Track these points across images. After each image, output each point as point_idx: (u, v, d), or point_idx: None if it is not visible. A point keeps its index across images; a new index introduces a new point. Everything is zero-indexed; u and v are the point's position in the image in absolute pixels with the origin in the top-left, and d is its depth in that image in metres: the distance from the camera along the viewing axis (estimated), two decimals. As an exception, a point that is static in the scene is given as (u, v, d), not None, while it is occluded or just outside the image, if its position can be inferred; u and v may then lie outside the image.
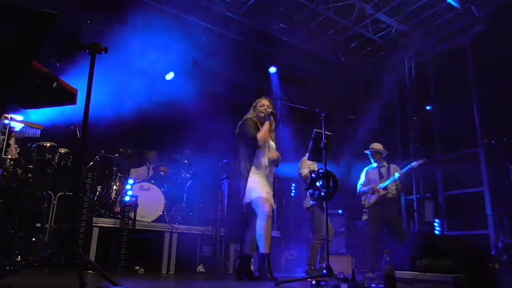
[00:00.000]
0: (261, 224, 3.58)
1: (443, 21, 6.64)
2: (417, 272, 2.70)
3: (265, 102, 3.97)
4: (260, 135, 3.76)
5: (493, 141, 4.92)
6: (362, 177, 5.45)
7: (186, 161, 5.88)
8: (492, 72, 5.99)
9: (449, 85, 6.80)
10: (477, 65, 6.53)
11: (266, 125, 3.82)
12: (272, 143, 3.97)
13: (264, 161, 3.82)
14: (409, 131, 7.48)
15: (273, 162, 3.91)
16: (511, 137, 4.84)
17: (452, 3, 6.12)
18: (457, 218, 6.56)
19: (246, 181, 3.71)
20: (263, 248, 3.56)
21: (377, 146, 5.44)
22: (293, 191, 7.95)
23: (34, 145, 4.10)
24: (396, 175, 5.08)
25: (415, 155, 6.85)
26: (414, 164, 5.14)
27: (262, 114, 3.90)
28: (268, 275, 3.49)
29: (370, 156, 5.46)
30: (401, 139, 7.60)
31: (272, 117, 3.90)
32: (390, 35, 7.06)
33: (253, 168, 3.77)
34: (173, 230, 4.97)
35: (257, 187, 3.68)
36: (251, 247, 3.80)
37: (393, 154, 6.97)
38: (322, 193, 3.63)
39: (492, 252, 5.37)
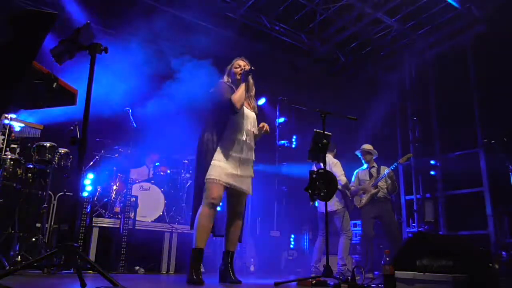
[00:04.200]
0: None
1: (443, 21, 6.64)
2: (417, 272, 2.70)
3: (240, 62, 3.30)
4: (235, 97, 3.02)
5: (493, 141, 4.92)
6: (353, 179, 5.52)
7: (186, 161, 5.89)
8: (492, 72, 5.99)
9: (449, 85, 6.80)
10: (477, 65, 6.53)
11: (242, 86, 3.09)
12: (250, 113, 3.27)
13: (238, 133, 3.13)
14: (409, 131, 7.49)
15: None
16: (511, 137, 4.85)
17: (452, 3, 6.13)
18: (457, 218, 6.56)
19: (212, 155, 3.02)
20: (193, 241, 2.97)
21: (367, 146, 5.51)
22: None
23: (34, 145, 4.10)
24: (385, 171, 5.17)
25: (415, 155, 6.86)
26: (400, 160, 5.26)
27: (238, 76, 3.20)
28: (194, 276, 2.82)
29: (361, 156, 5.52)
30: (401, 139, 7.61)
31: (250, 78, 3.22)
32: (390, 35, 7.06)
33: (221, 142, 3.08)
34: (173, 230, 4.97)
35: (218, 166, 3.00)
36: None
37: (393, 154, 6.98)
38: (322, 193, 3.63)
39: (492, 252, 5.37)
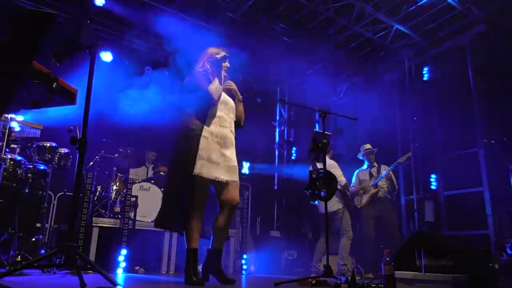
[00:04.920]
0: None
1: (443, 21, 6.63)
2: (417, 272, 2.70)
3: (214, 51, 3.19)
4: (212, 88, 2.95)
5: (493, 141, 4.92)
6: (353, 180, 5.53)
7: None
8: (492, 72, 5.99)
9: (449, 85, 6.80)
10: (477, 65, 6.53)
11: (216, 79, 3.04)
12: (228, 98, 3.19)
13: (220, 119, 3.04)
14: (409, 131, 7.49)
15: (242, 125, 3.26)
16: (511, 137, 4.85)
17: (452, 3, 6.12)
18: (457, 218, 6.56)
19: (198, 139, 2.90)
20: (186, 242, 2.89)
21: (369, 146, 5.53)
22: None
23: (34, 145, 4.10)
24: (384, 172, 5.18)
25: (415, 154, 6.85)
26: (399, 159, 5.28)
27: (225, 73, 3.17)
28: (193, 278, 2.77)
29: (364, 158, 5.53)
30: (401, 139, 7.60)
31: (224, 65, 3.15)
32: (390, 35, 7.06)
33: (204, 132, 2.94)
34: (173, 230, 4.97)
35: (206, 159, 2.88)
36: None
37: (393, 154, 6.98)
38: (322, 194, 3.63)
39: (492, 252, 5.37)
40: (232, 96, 3.26)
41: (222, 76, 3.13)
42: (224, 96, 3.14)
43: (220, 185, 2.99)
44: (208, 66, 3.14)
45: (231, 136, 3.10)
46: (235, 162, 3.05)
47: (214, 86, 2.97)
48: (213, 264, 3.00)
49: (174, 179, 2.98)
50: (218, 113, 3.05)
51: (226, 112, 3.12)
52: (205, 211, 2.97)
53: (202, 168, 2.86)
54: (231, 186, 2.99)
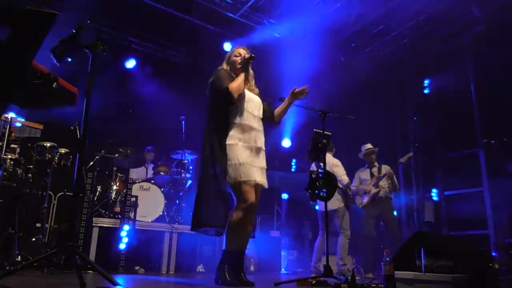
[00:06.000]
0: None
1: (443, 21, 6.63)
2: (417, 272, 2.70)
3: (241, 51, 3.13)
4: (233, 85, 2.87)
5: (493, 141, 4.92)
6: (355, 179, 5.52)
7: (186, 161, 5.89)
8: (492, 72, 5.99)
9: (449, 85, 6.80)
10: (477, 65, 6.53)
11: (241, 75, 2.96)
12: (254, 96, 3.11)
13: (247, 118, 2.95)
14: (409, 131, 7.49)
15: (277, 123, 3.21)
16: (511, 137, 4.85)
17: (452, 3, 6.12)
18: (457, 218, 6.56)
19: (220, 147, 2.84)
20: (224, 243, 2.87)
21: (370, 145, 5.51)
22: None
23: (34, 145, 4.10)
24: (384, 172, 5.18)
25: (415, 155, 6.85)
26: (400, 160, 5.27)
27: (239, 65, 3.04)
28: (228, 278, 2.77)
29: (364, 157, 5.52)
30: (401, 139, 7.61)
31: (249, 65, 3.07)
32: (390, 35, 7.05)
33: (231, 130, 2.89)
34: (173, 230, 4.97)
35: (244, 163, 2.81)
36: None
37: (394, 154, 6.98)
38: (322, 194, 3.63)
39: (492, 252, 5.37)
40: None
41: (245, 75, 3.01)
42: (249, 93, 3.06)
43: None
44: (230, 68, 3.12)
45: (261, 134, 3.04)
46: (264, 164, 3.03)
47: (236, 84, 2.89)
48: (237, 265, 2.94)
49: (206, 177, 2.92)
50: (246, 110, 2.97)
51: (253, 109, 3.02)
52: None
53: (248, 173, 2.83)
54: (258, 187, 2.94)
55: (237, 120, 2.94)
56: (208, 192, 2.88)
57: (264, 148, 3.03)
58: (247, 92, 3.04)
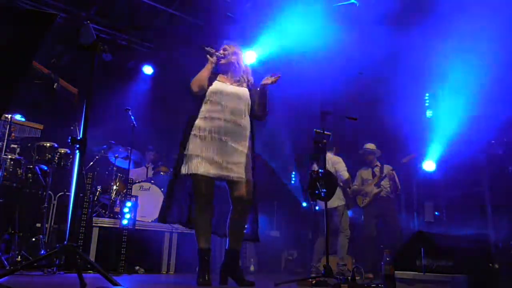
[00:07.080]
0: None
1: (443, 21, 6.63)
2: (417, 272, 2.70)
3: (225, 47, 3.12)
4: (193, 79, 2.90)
5: (493, 141, 4.92)
6: (356, 178, 5.50)
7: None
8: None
9: (449, 85, 6.80)
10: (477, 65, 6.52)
11: (203, 69, 2.95)
12: (233, 88, 2.99)
13: (214, 110, 2.87)
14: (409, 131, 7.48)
15: (259, 113, 3.02)
16: (511, 137, 4.85)
17: (453, 3, 6.12)
18: (457, 218, 6.56)
19: (186, 145, 2.81)
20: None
21: (371, 146, 5.49)
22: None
23: (34, 145, 4.10)
24: (386, 171, 5.17)
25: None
26: (403, 160, 5.26)
27: (222, 61, 3.03)
28: (199, 278, 2.74)
29: (364, 156, 5.51)
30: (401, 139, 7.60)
31: (238, 54, 3.05)
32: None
33: (196, 121, 2.86)
34: (173, 230, 4.97)
35: (195, 155, 2.77)
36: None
37: (393, 154, 6.98)
38: (322, 193, 3.63)
39: (492, 252, 5.37)
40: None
41: (210, 66, 2.97)
42: (223, 85, 2.99)
43: (230, 183, 2.87)
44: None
45: (235, 126, 2.90)
46: (239, 159, 2.86)
47: (196, 77, 2.91)
48: (230, 265, 2.90)
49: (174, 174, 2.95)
50: (217, 102, 2.91)
51: (226, 101, 2.91)
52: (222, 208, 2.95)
53: (197, 166, 2.78)
54: (238, 182, 2.84)
55: (203, 111, 2.89)
56: (172, 185, 2.92)
57: (242, 141, 2.89)
58: (221, 84, 2.97)
